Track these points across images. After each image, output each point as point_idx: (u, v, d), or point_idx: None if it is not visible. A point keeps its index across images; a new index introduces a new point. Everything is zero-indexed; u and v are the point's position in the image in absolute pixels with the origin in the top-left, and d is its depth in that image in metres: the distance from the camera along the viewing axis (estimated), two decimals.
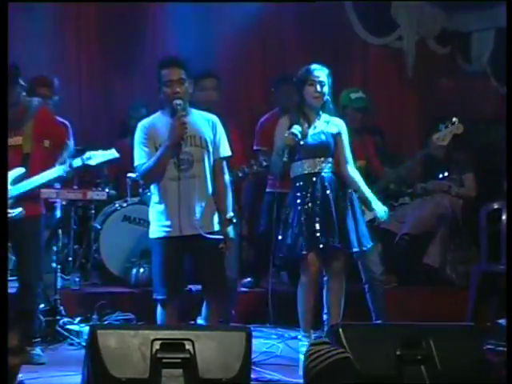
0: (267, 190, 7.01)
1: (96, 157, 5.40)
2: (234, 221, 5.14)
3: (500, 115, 7.09)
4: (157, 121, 5.08)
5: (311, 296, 5.57)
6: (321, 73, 5.50)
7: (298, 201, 5.50)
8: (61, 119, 6.26)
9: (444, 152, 7.14)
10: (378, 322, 5.99)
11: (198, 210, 4.97)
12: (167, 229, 4.98)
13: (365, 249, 5.62)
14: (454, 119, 5.95)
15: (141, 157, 5.02)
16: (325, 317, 5.87)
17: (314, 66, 5.53)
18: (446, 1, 8.45)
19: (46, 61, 7.86)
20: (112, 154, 5.51)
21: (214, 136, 5.08)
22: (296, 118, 5.52)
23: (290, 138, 5.38)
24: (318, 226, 5.42)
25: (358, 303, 6.09)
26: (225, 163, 5.17)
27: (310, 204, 5.46)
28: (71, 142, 6.04)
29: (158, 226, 5.01)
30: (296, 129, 5.41)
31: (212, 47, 8.22)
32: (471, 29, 8.58)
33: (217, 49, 8.19)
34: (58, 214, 6.26)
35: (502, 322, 6.24)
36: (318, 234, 5.40)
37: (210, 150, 5.05)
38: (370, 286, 6.12)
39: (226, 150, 5.14)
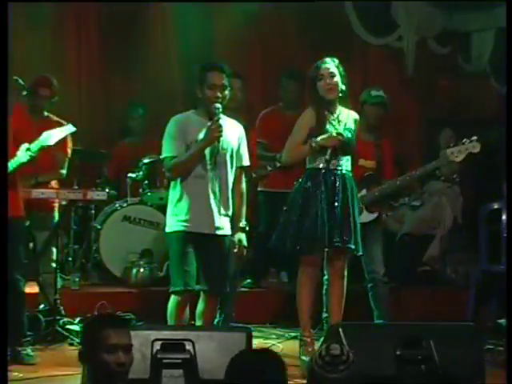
0: (260, 188, 7.03)
1: (53, 135, 5.43)
2: (247, 229, 5.24)
3: (500, 115, 7.09)
4: (191, 118, 5.20)
5: (311, 294, 5.57)
6: (329, 64, 5.48)
7: (317, 196, 5.47)
8: (59, 120, 6.25)
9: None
10: (379, 322, 5.99)
11: (216, 210, 5.10)
12: (187, 223, 5.07)
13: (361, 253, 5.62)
14: (474, 137, 5.84)
15: (171, 150, 5.12)
16: (324, 315, 5.87)
17: (321, 60, 5.52)
18: (446, 1, 8.44)
19: (46, 61, 7.86)
20: (68, 128, 5.67)
21: (239, 145, 5.25)
22: (322, 113, 5.50)
23: (336, 138, 5.38)
24: (327, 227, 5.40)
25: (358, 303, 6.09)
26: (243, 172, 5.33)
27: (320, 202, 5.44)
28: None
29: (177, 221, 5.10)
30: (341, 130, 5.43)
31: (212, 47, 8.21)
32: (471, 29, 8.58)
33: (217, 49, 8.19)
34: (56, 215, 6.22)
35: (502, 322, 6.25)
36: (328, 234, 5.39)
37: (234, 156, 5.20)
38: (373, 285, 6.11)
39: (246, 160, 5.31)
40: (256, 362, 3.09)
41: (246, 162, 5.31)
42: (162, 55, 8.30)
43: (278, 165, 6.50)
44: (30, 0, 7.66)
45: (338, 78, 5.47)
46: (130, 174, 7.17)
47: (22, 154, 5.23)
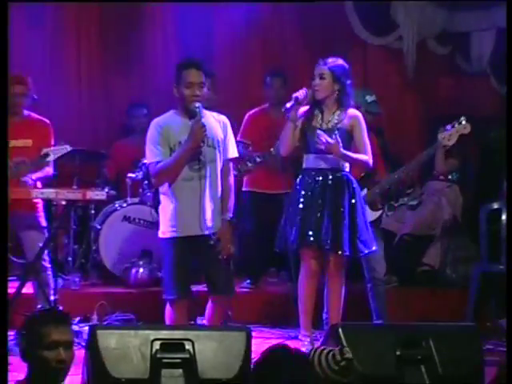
0: (245, 189, 7.02)
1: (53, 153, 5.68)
2: (233, 222, 5.17)
3: (500, 115, 7.08)
4: (171, 120, 5.08)
5: (309, 293, 5.58)
6: (322, 66, 5.52)
7: (299, 196, 5.50)
8: (40, 117, 6.22)
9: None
10: (378, 322, 5.99)
11: (209, 210, 5.01)
12: (179, 229, 4.99)
13: (361, 254, 5.62)
14: (462, 118, 5.89)
15: (155, 155, 5.02)
16: (324, 316, 5.88)
17: (320, 59, 5.56)
18: (446, 0, 8.44)
19: (46, 61, 7.86)
20: (65, 148, 5.81)
21: (225, 137, 5.13)
22: (311, 111, 5.54)
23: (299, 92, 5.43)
24: (311, 225, 5.43)
25: (358, 303, 6.09)
26: (231, 164, 5.22)
27: (308, 201, 5.47)
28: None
29: (169, 226, 5.02)
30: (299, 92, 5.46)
31: (212, 47, 8.22)
32: (471, 29, 8.57)
33: (217, 49, 8.19)
34: (42, 215, 6.19)
35: (502, 321, 6.24)
36: (311, 233, 5.42)
37: (221, 150, 5.08)
38: (373, 285, 6.11)
39: (234, 152, 5.20)
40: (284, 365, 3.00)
41: (234, 153, 5.18)
42: (161, 55, 8.29)
43: (259, 160, 6.49)
44: (30, 0, 7.66)
45: (328, 80, 5.49)
46: (129, 174, 7.17)
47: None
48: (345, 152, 5.46)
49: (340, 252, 5.47)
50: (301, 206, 5.49)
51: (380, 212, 6.13)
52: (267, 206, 6.90)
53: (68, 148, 5.87)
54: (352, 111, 5.60)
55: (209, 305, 5.16)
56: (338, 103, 5.56)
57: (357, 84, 7.07)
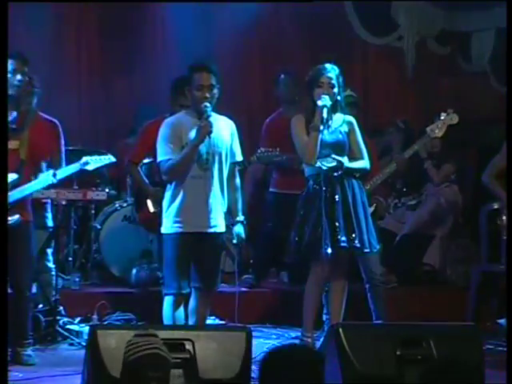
0: (270, 189, 7.01)
1: (93, 162, 5.55)
2: (245, 223, 5.23)
3: (500, 115, 7.09)
4: (183, 120, 5.21)
5: (319, 295, 5.58)
6: (331, 74, 5.49)
7: (317, 200, 5.47)
8: (49, 117, 6.21)
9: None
10: (378, 322, 5.99)
11: (213, 209, 5.10)
12: (183, 225, 5.07)
13: (374, 250, 5.62)
14: (449, 110, 5.89)
15: (166, 153, 5.12)
16: (324, 317, 5.88)
17: (324, 67, 5.52)
18: (446, 0, 8.46)
19: (47, 61, 7.87)
20: (109, 158, 5.72)
21: (232, 141, 5.25)
22: (310, 117, 5.51)
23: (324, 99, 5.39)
24: (338, 226, 5.40)
25: (358, 303, 6.09)
26: (237, 167, 5.33)
27: (329, 203, 5.44)
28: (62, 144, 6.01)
29: (173, 222, 5.10)
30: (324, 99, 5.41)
31: (212, 47, 8.22)
32: (471, 29, 8.59)
33: (216, 49, 8.20)
34: (49, 215, 6.17)
35: (502, 321, 6.25)
36: (339, 236, 5.38)
37: (228, 153, 5.20)
38: (371, 286, 6.10)
39: (239, 156, 5.31)
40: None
41: (239, 157, 5.31)
42: (161, 55, 8.30)
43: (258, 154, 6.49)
44: (30, 0, 7.66)
45: (336, 89, 5.48)
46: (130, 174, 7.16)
47: (48, 178, 5.39)
48: (349, 165, 5.48)
49: (365, 250, 5.48)
50: (320, 210, 5.45)
51: (372, 209, 6.11)
52: (287, 206, 6.88)
53: (112, 158, 5.78)
54: (347, 117, 5.60)
55: (193, 299, 5.19)
56: (334, 106, 5.55)
57: (357, 84, 7.10)
